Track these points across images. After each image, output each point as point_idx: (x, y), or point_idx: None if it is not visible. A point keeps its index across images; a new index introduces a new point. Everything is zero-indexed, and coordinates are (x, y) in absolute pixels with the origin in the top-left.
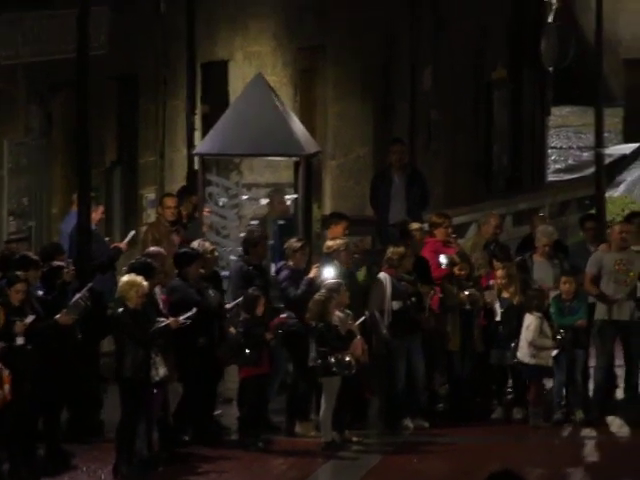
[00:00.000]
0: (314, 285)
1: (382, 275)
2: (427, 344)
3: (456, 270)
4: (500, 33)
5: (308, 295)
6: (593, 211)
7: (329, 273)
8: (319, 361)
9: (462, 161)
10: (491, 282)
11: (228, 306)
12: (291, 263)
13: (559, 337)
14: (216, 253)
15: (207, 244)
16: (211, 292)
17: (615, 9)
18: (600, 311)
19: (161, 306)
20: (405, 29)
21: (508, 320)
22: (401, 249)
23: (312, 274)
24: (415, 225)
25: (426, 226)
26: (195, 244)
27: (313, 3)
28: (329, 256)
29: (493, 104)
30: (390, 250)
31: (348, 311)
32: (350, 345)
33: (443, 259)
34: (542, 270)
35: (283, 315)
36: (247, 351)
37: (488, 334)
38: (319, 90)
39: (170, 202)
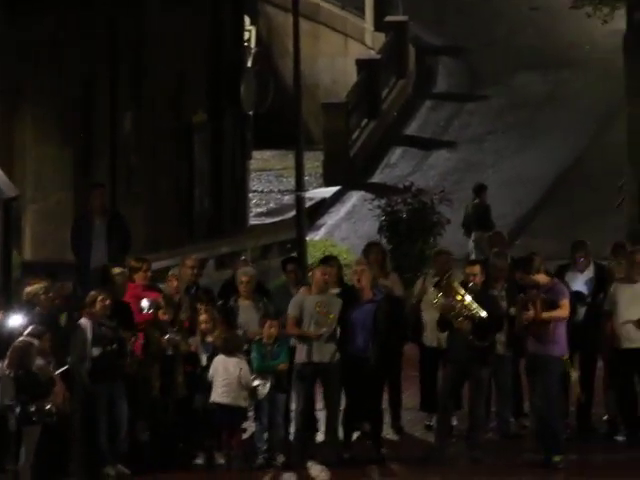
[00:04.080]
0: None
1: (83, 321)
2: (130, 390)
3: (160, 314)
4: (200, 77)
5: None
6: (295, 254)
7: (15, 320)
8: (18, 409)
9: (164, 205)
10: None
11: None
12: None
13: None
14: None
15: None
16: None
17: (313, 54)
18: (300, 354)
19: None
20: (104, 73)
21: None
22: (94, 293)
23: None
24: (116, 270)
25: (127, 271)
26: None
27: (10, 45)
28: (29, 302)
29: (194, 148)
30: (88, 295)
31: (49, 358)
32: (51, 393)
33: (145, 303)
34: (248, 313)
35: None
36: None
37: (193, 379)
38: (18, 134)
39: None
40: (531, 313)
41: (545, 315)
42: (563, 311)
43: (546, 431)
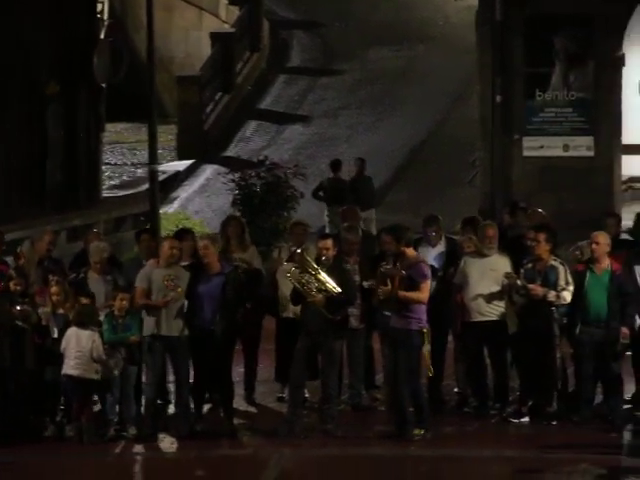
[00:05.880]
0: None
1: None
2: None
3: (12, 285)
4: (53, 48)
5: None
6: (148, 227)
7: None
8: None
9: (15, 177)
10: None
11: None
12: None
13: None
14: None
15: None
16: None
17: (167, 27)
18: (149, 327)
19: None
20: None
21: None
22: None
23: None
24: None
25: None
26: None
27: None
28: None
29: (46, 120)
30: None
31: None
32: None
33: None
34: (96, 286)
35: None
36: None
37: (44, 351)
38: None
39: None
40: (388, 289)
41: (402, 294)
42: (421, 294)
43: (404, 404)
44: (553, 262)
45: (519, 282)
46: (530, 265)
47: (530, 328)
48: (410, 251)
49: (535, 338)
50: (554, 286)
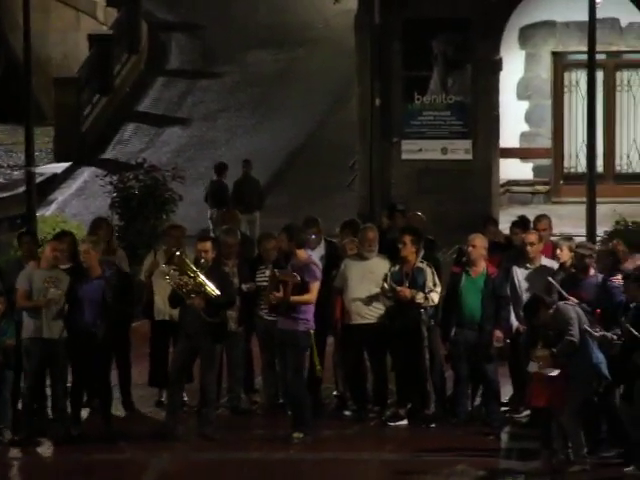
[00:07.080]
0: None
1: None
2: None
3: None
4: None
5: None
6: (25, 229)
7: None
8: None
9: None
10: None
11: None
12: None
13: None
14: None
15: None
16: None
17: (44, 28)
18: (29, 329)
19: None
20: None
21: None
22: None
23: None
24: None
25: None
26: None
27: None
28: None
29: None
30: None
31: None
32: None
33: None
34: None
35: None
36: None
37: None
38: None
39: None
40: (280, 295)
41: (293, 299)
42: (311, 295)
43: (300, 404)
44: (420, 264)
45: (386, 285)
46: (397, 267)
47: (399, 330)
48: (301, 252)
49: (404, 340)
50: (422, 288)
